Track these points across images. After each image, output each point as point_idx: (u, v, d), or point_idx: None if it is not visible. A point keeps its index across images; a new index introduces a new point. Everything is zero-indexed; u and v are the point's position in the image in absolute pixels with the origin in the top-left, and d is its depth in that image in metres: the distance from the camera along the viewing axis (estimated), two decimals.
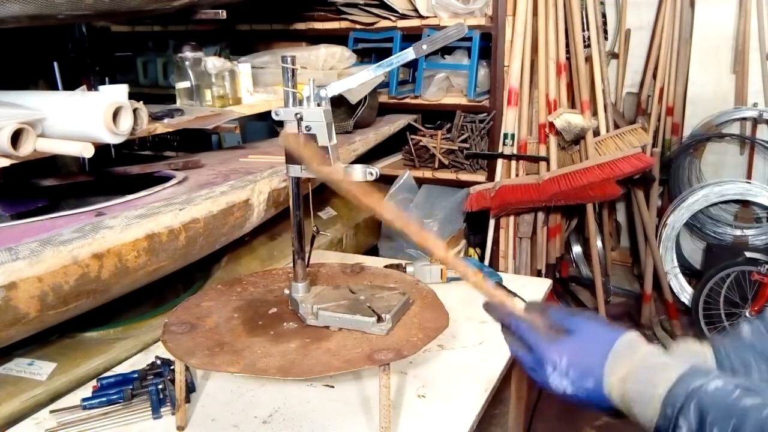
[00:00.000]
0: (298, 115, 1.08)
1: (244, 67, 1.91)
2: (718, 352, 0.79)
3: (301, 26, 2.71)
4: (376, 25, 2.59)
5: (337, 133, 1.13)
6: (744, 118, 3.20)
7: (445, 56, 2.64)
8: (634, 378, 0.67)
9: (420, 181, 2.63)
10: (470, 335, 1.43)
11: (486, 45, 2.45)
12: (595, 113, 2.72)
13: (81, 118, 1.26)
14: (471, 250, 2.63)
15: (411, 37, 2.50)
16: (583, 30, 2.66)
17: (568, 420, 2.38)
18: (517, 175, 2.52)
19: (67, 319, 1.25)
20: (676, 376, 0.64)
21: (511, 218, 2.59)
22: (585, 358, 0.71)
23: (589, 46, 2.74)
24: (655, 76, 3.30)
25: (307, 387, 1.25)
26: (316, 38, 2.59)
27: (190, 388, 1.21)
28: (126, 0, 1.48)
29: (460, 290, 1.68)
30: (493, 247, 2.59)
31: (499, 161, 2.49)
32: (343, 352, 1.06)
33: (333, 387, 1.26)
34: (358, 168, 1.07)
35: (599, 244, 3.14)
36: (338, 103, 2.13)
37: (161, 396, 1.17)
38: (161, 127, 1.57)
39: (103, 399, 1.18)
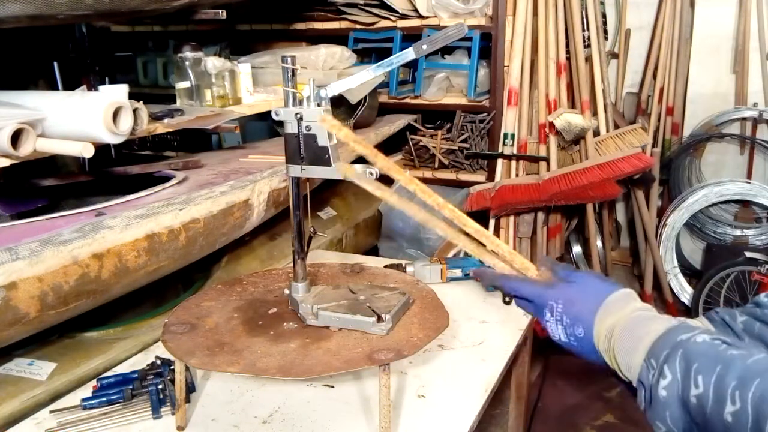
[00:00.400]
0: (298, 115, 1.08)
1: (244, 67, 1.91)
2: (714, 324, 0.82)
3: (301, 26, 2.71)
4: (376, 25, 2.59)
5: None
6: (744, 118, 3.20)
7: (445, 56, 2.64)
8: (622, 327, 0.69)
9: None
10: (470, 335, 1.43)
11: (486, 45, 2.46)
12: (595, 113, 2.72)
13: (81, 118, 1.26)
14: None
15: (411, 37, 2.50)
16: (583, 30, 2.66)
17: (568, 420, 2.38)
18: (517, 175, 2.52)
19: (67, 319, 1.25)
20: (663, 328, 0.66)
21: (511, 218, 2.59)
22: (578, 305, 0.73)
23: (589, 46, 2.74)
24: (655, 76, 3.30)
25: (307, 387, 1.25)
26: (316, 38, 2.59)
27: (190, 388, 1.21)
28: (126, 0, 1.48)
29: (460, 290, 1.68)
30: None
31: (499, 161, 2.49)
32: (343, 352, 1.06)
33: (333, 387, 1.26)
34: (358, 168, 1.07)
35: (599, 244, 3.14)
36: (338, 103, 2.13)
37: (161, 396, 1.17)
38: (161, 127, 1.57)
39: (103, 399, 1.18)
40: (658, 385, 0.62)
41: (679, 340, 0.63)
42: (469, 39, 2.45)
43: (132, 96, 1.48)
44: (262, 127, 2.86)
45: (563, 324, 0.74)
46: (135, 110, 1.40)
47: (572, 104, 2.70)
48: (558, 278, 0.80)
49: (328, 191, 2.37)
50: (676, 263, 3.22)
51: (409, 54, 1.07)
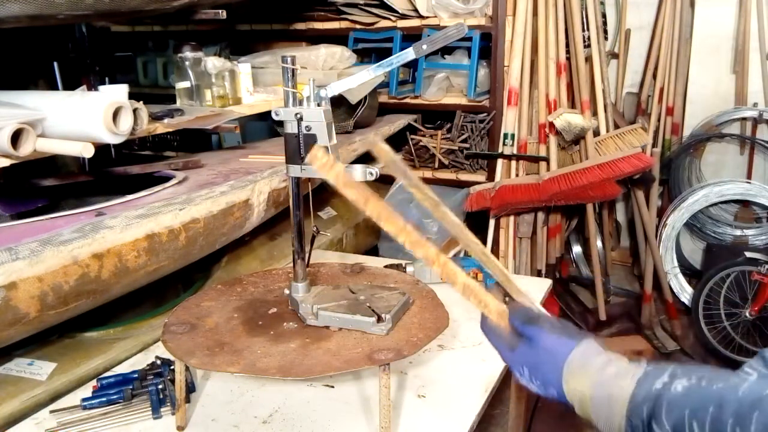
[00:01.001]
0: (298, 115, 1.08)
1: (244, 67, 1.91)
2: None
3: (301, 26, 2.71)
4: (376, 25, 2.59)
5: (337, 133, 1.13)
6: (744, 118, 3.20)
7: (445, 56, 2.64)
8: (591, 396, 0.67)
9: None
10: (470, 335, 1.43)
11: (486, 45, 2.45)
12: (595, 113, 2.72)
13: (81, 118, 1.26)
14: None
15: (411, 37, 2.50)
16: (583, 30, 2.65)
17: (568, 420, 2.38)
18: (517, 175, 2.51)
19: (67, 319, 1.25)
20: (633, 383, 0.63)
21: (511, 218, 2.59)
22: (543, 369, 0.71)
23: (589, 46, 2.73)
24: (655, 76, 3.30)
25: (307, 387, 1.25)
26: (316, 38, 2.59)
27: (190, 388, 1.21)
28: (126, 0, 1.48)
29: None
30: (493, 247, 2.59)
31: (499, 161, 2.49)
32: (343, 352, 1.06)
33: (333, 387, 1.26)
34: (358, 168, 1.07)
35: (599, 244, 3.14)
36: (338, 103, 2.13)
37: (161, 396, 1.17)
38: (161, 127, 1.57)
39: (103, 399, 1.18)
40: None
41: (656, 392, 0.61)
42: (469, 39, 2.45)
43: (132, 96, 1.48)
44: (262, 127, 2.86)
45: (535, 384, 0.73)
46: (135, 110, 1.40)
47: (572, 104, 2.70)
48: (515, 334, 0.76)
49: (328, 191, 2.37)
50: (676, 263, 3.22)
51: (409, 54, 1.07)
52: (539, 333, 0.73)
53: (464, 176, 2.58)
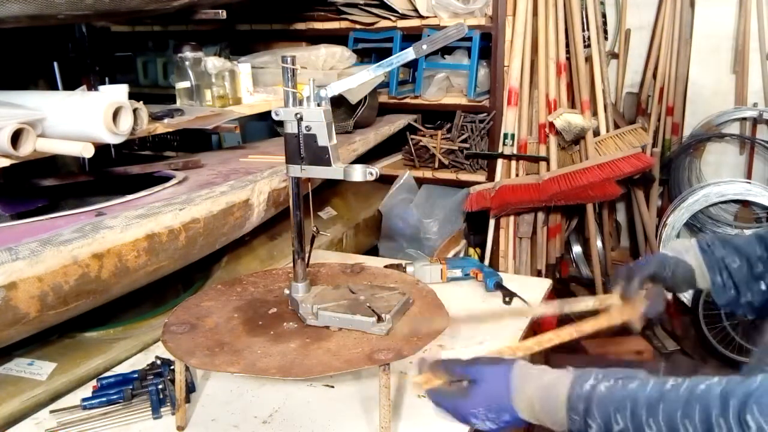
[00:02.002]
0: (298, 115, 1.08)
1: (244, 67, 1.91)
2: (703, 246, 1.06)
3: (301, 26, 2.71)
4: (376, 25, 2.59)
5: (337, 133, 1.13)
6: (744, 118, 3.19)
7: (445, 56, 2.64)
8: (537, 399, 0.79)
9: (420, 181, 2.63)
10: (470, 335, 1.43)
11: (486, 45, 2.45)
12: (595, 113, 2.72)
13: (81, 118, 1.26)
14: (471, 250, 2.63)
15: (411, 37, 2.50)
16: (583, 30, 2.65)
17: None
18: (517, 175, 2.51)
19: (67, 319, 1.25)
20: (567, 383, 0.77)
21: (511, 218, 2.59)
22: (495, 400, 0.83)
23: (589, 46, 2.73)
24: (655, 76, 3.29)
25: (307, 387, 1.25)
26: (316, 38, 2.59)
27: (190, 388, 1.21)
28: (126, 0, 1.48)
29: (460, 290, 1.68)
30: (493, 247, 2.59)
31: (499, 161, 2.49)
32: (343, 352, 1.06)
33: (333, 387, 1.26)
34: (358, 168, 1.07)
35: (599, 244, 3.14)
36: (338, 103, 2.13)
37: (161, 396, 1.17)
38: (161, 127, 1.57)
39: (103, 399, 1.18)
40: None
41: (586, 392, 0.75)
42: (469, 39, 2.45)
43: (132, 96, 1.48)
44: (262, 127, 2.86)
45: (491, 420, 0.83)
46: (135, 110, 1.40)
47: (572, 104, 2.70)
48: (457, 380, 0.88)
49: (328, 191, 2.37)
50: None
51: (409, 54, 1.07)
52: (480, 369, 0.86)
53: (464, 176, 2.58)
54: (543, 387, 0.80)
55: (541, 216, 2.66)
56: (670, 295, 1.12)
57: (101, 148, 1.33)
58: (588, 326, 0.99)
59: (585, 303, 1.07)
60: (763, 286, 1.03)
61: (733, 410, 0.63)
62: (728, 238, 1.09)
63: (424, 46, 1.07)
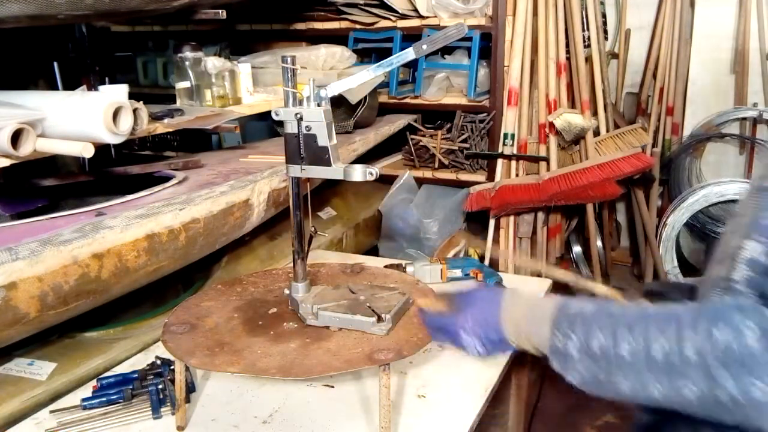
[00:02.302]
0: (298, 115, 1.08)
1: (244, 67, 1.91)
2: None
3: (301, 26, 2.71)
4: (376, 25, 2.59)
5: (337, 133, 1.13)
6: (744, 118, 3.19)
7: (445, 56, 2.64)
8: (523, 316, 0.85)
9: (420, 181, 2.63)
10: None
11: (486, 45, 2.45)
12: (595, 113, 2.72)
13: (81, 118, 1.26)
14: (471, 250, 2.63)
15: (411, 37, 2.50)
16: (583, 30, 2.65)
17: (568, 420, 2.38)
18: (517, 175, 2.51)
19: (67, 319, 1.25)
20: (556, 305, 0.82)
21: (511, 218, 2.59)
22: (484, 315, 0.88)
23: (589, 46, 2.73)
24: (655, 76, 3.29)
25: (307, 387, 1.26)
26: (316, 38, 2.59)
27: (190, 388, 1.21)
28: (126, 0, 1.48)
29: None
30: (493, 247, 2.59)
31: (499, 161, 2.49)
32: (343, 352, 1.06)
33: (333, 387, 1.26)
34: (358, 168, 1.07)
35: (599, 244, 3.14)
36: (338, 103, 2.13)
37: (161, 396, 1.17)
38: (161, 127, 1.57)
39: (103, 399, 1.18)
40: (568, 347, 0.77)
41: (573, 311, 0.80)
42: (469, 39, 2.44)
43: (132, 96, 1.48)
44: (262, 127, 2.86)
45: (478, 336, 0.88)
46: (135, 110, 1.40)
47: (572, 104, 2.70)
48: (455, 303, 0.94)
49: (328, 191, 2.37)
50: (676, 263, 3.22)
51: (409, 54, 1.07)
52: (474, 291, 0.94)
53: (464, 176, 2.58)
54: (531, 307, 0.85)
55: (541, 216, 2.66)
56: None
57: (101, 148, 1.33)
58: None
59: (598, 287, 1.14)
60: None
61: (703, 325, 0.67)
62: None
63: (424, 46, 1.07)
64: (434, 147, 2.61)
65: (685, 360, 0.67)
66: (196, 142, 2.89)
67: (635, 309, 0.76)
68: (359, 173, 1.07)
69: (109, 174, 1.69)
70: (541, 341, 0.81)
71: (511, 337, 0.85)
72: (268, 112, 1.20)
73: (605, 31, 3.28)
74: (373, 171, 1.06)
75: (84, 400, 1.18)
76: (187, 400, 1.18)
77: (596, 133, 2.67)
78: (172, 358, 1.10)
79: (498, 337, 0.86)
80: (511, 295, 0.89)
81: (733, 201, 3.22)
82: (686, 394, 0.67)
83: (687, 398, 0.68)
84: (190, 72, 1.84)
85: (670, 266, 3.20)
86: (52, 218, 1.27)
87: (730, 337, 0.65)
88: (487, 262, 2.57)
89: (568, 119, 2.48)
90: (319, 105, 1.08)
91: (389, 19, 2.54)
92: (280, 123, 1.11)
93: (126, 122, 1.33)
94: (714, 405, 0.66)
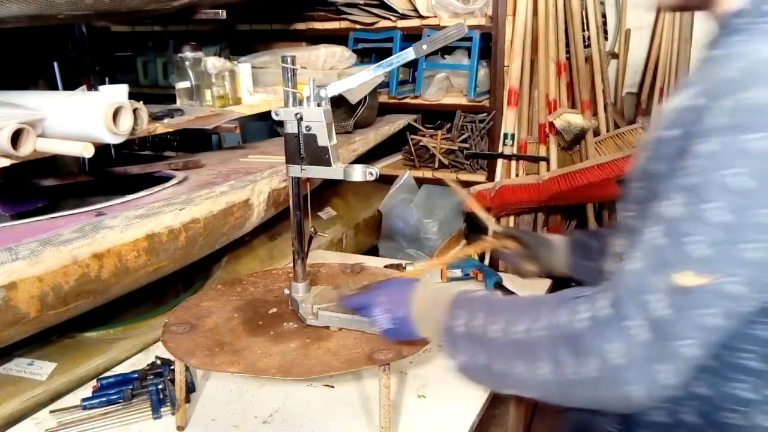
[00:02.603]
0: (298, 115, 1.08)
1: (244, 67, 1.91)
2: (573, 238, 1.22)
3: (301, 26, 2.71)
4: (376, 25, 2.59)
5: (337, 133, 1.13)
6: None
7: (445, 56, 2.64)
8: (426, 297, 0.94)
9: (420, 181, 2.63)
10: None
11: (486, 45, 2.45)
12: (595, 113, 2.72)
13: (81, 118, 1.26)
14: (471, 250, 2.62)
15: (411, 37, 2.50)
16: (583, 30, 2.65)
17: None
18: (517, 175, 2.51)
19: (67, 319, 1.25)
20: (454, 291, 0.90)
21: (511, 218, 2.59)
22: (396, 295, 0.97)
23: (589, 46, 2.73)
24: (655, 76, 3.29)
25: (307, 387, 1.26)
26: (316, 38, 2.59)
27: (190, 388, 1.21)
28: (126, 0, 1.48)
29: None
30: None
31: (499, 161, 2.49)
32: (343, 352, 1.06)
33: (333, 387, 1.26)
34: (358, 168, 1.07)
35: None
36: (338, 103, 2.13)
37: (161, 396, 1.17)
38: (161, 127, 1.57)
39: (103, 399, 1.18)
40: (455, 325, 0.84)
41: (467, 297, 0.88)
42: (469, 39, 2.44)
43: (132, 96, 1.48)
44: (262, 127, 2.86)
45: (388, 311, 0.95)
46: (135, 110, 1.39)
47: (572, 104, 2.70)
48: (374, 287, 1.03)
49: (328, 191, 2.37)
50: None
51: (409, 54, 1.07)
52: (394, 278, 1.06)
53: (464, 176, 2.57)
54: (436, 292, 0.93)
55: (541, 216, 2.66)
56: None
57: (101, 148, 1.33)
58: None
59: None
60: None
61: (554, 309, 0.74)
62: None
63: (424, 46, 1.07)
64: (434, 147, 2.61)
65: (536, 340, 0.74)
66: (196, 142, 2.89)
67: (516, 297, 0.88)
68: (359, 173, 1.07)
69: (109, 174, 1.69)
70: (438, 323, 0.88)
71: (415, 315, 0.93)
72: (268, 112, 1.20)
73: (605, 31, 3.28)
74: (373, 171, 1.06)
75: (84, 400, 1.18)
76: (187, 400, 1.18)
77: (596, 133, 2.67)
78: (172, 358, 1.10)
79: (405, 314, 0.94)
80: (423, 283, 0.97)
81: None
82: (541, 375, 0.73)
83: (543, 379, 0.73)
84: (190, 72, 1.84)
85: None
86: (52, 218, 1.27)
87: (566, 319, 0.71)
88: (486, 262, 2.57)
89: (568, 119, 2.48)
90: (319, 105, 1.08)
91: (389, 19, 2.54)
92: (280, 123, 1.11)
93: (126, 122, 1.33)
94: (566, 385, 0.71)
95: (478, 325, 0.81)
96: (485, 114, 2.52)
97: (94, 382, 1.25)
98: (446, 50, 2.62)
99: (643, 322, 0.65)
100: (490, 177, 2.51)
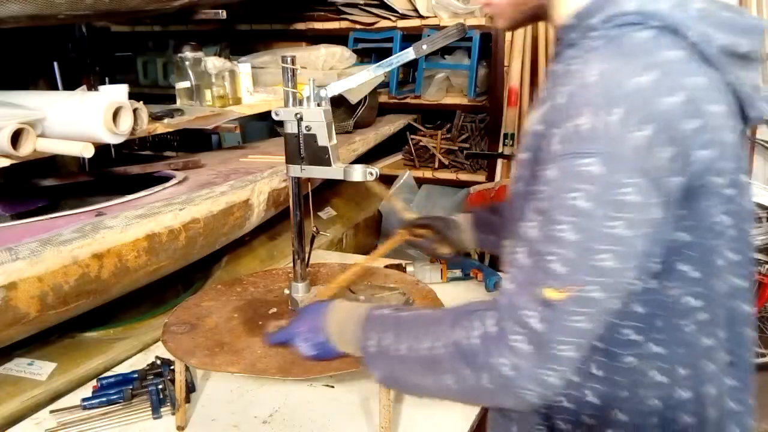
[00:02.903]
0: (298, 115, 1.08)
1: (244, 67, 1.91)
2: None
3: (301, 26, 2.71)
4: (376, 25, 2.59)
5: (337, 133, 1.13)
6: None
7: (445, 56, 2.64)
8: (340, 320, 0.96)
9: (420, 181, 2.63)
10: None
11: (486, 45, 2.45)
12: None
13: (81, 118, 1.26)
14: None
15: (411, 37, 2.50)
16: None
17: None
18: None
19: (67, 319, 1.25)
20: (365, 312, 0.94)
21: None
22: (313, 322, 0.99)
23: None
24: None
25: (307, 387, 1.26)
26: (316, 38, 2.59)
27: (190, 388, 1.21)
28: (126, 0, 1.48)
29: (460, 290, 1.68)
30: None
31: (499, 161, 2.49)
32: None
33: (333, 387, 1.26)
34: (358, 168, 1.07)
35: None
36: (338, 103, 2.13)
37: (161, 396, 1.17)
38: (161, 127, 1.57)
39: (103, 399, 1.18)
40: (368, 345, 0.89)
41: (377, 315, 0.92)
42: (469, 39, 2.45)
43: (132, 96, 1.48)
44: (262, 127, 2.86)
45: (309, 340, 0.98)
46: (135, 110, 1.39)
47: None
48: (297, 317, 1.04)
49: (328, 191, 2.37)
50: None
51: (409, 54, 1.07)
52: (311, 304, 1.06)
53: (464, 176, 2.58)
54: (349, 310, 0.97)
55: None
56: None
57: (101, 148, 1.33)
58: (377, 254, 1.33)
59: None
60: None
61: (454, 323, 0.80)
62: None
63: (424, 46, 1.07)
64: (434, 147, 2.61)
65: (438, 357, 0.80)
66: (196, 142, 2.89)
67: (423, 313, 0.90)
68: (359, 173, 1.07)
69: (109, 174, 1.69)
70: (353, 341, 0.92)
71: (334, 339, 0.96)
72: (268, 112, 1.20)
73: None
74: (373, 171, 1.06)
75: (84, 400, 1.17)
76: (187, 400, 1.18)
77: None
78: (172, 358, 1.10)
79: (323, 339, 0.97)
80: (336, 305, 1.00)
81: None
82: (447, 386, 0.80)
83: (450, 389, 0.80)
84: (190, 72, 1.84)
85: None
86: (52, 218, 1.27)
87: (462, 336, 0.78)
88: (486, 262, 2.57)
89: None
90: (319, 105, 1.08)
91: (389, 19, 2.54)
92: (280, 123, 1.11)
93: (126, 122, 1.33)
94: (471, 393, 0.79)
95: (389, 344, 0.86)
96: (485, 114, 2.52)
97: (94, 382, 1.25)
98: (446, 50, 2.63)
99: (523, 337, 0.72)
100: (490, 177, 2.52)
